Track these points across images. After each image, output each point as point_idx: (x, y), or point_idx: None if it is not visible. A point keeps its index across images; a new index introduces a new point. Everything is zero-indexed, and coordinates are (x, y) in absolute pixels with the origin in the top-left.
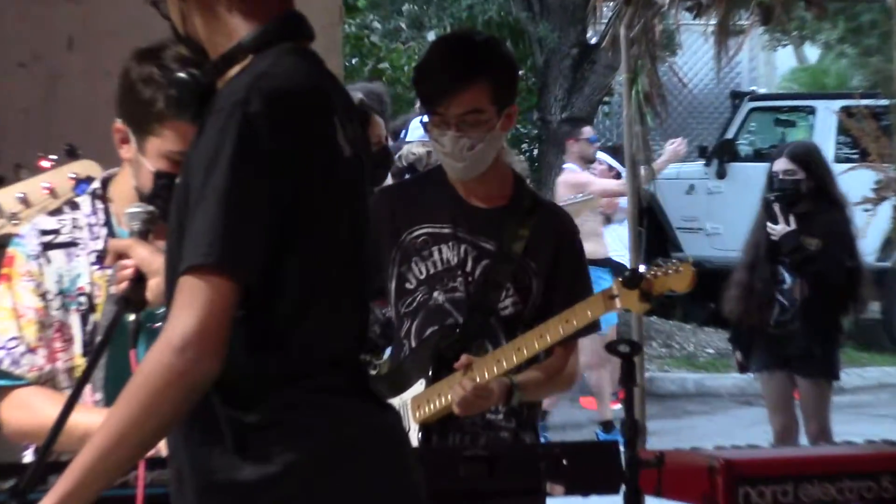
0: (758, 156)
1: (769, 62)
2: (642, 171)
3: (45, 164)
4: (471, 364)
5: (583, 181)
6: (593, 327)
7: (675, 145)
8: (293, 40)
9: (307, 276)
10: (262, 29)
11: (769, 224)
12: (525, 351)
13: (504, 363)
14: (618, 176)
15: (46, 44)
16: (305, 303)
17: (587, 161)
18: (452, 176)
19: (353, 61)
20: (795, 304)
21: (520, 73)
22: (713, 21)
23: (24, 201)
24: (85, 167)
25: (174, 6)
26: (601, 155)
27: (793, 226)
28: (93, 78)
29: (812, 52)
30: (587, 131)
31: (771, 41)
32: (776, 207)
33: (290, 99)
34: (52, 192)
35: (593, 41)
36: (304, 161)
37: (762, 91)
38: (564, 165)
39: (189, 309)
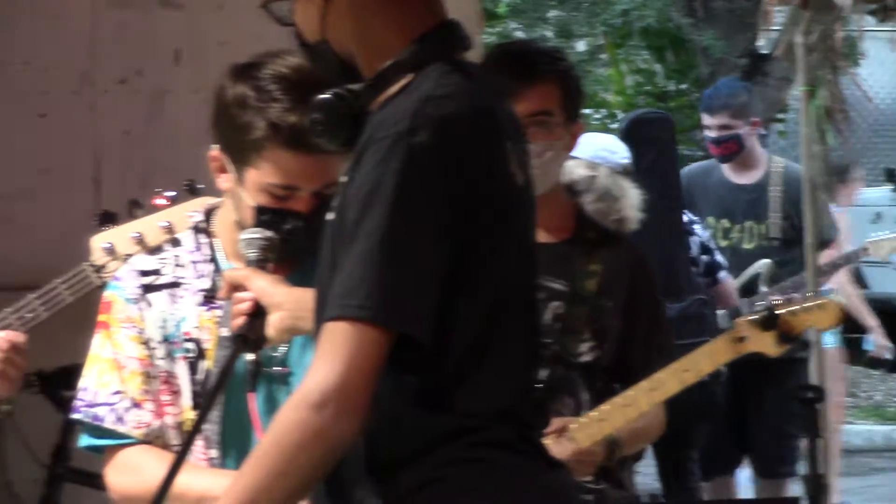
0: None
1: None
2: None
3: (160, 201)
4: (565, 428)
5: None
6: None
7: None
8: (452, 53)
9: (479, 321)
10: (422, 44)
11: None
12: (633, 408)
13: (612, 422)
14: None
15: (150, 57)
16: (477, 350)
17: None
18: None
19: None
20: None
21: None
22: None
23: (141, 241)
24: (206, 205)
25: (309, 5)
26: None
27: None
28: (201, 94)
29: None
30: None
31: None
32: None
33: (460, 127)
34: (171, 232)
35: (765, 50)
36: (476, 197)
37: None
38: None
39: (333, 360)
